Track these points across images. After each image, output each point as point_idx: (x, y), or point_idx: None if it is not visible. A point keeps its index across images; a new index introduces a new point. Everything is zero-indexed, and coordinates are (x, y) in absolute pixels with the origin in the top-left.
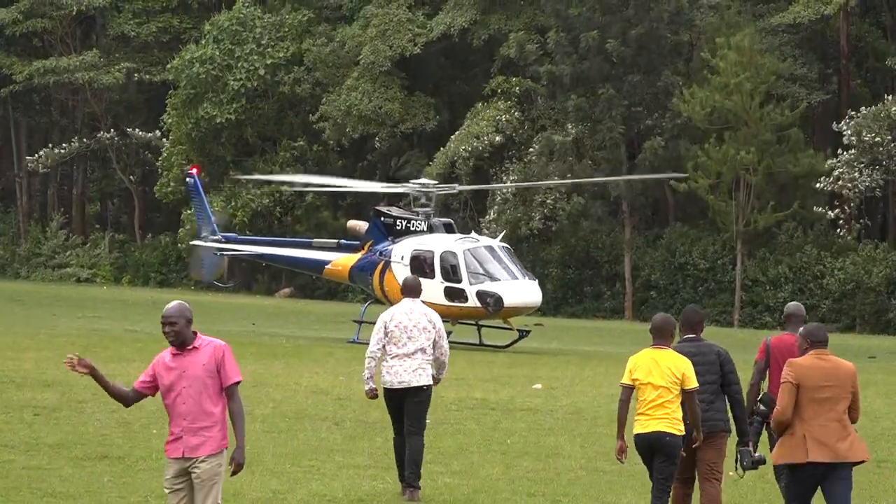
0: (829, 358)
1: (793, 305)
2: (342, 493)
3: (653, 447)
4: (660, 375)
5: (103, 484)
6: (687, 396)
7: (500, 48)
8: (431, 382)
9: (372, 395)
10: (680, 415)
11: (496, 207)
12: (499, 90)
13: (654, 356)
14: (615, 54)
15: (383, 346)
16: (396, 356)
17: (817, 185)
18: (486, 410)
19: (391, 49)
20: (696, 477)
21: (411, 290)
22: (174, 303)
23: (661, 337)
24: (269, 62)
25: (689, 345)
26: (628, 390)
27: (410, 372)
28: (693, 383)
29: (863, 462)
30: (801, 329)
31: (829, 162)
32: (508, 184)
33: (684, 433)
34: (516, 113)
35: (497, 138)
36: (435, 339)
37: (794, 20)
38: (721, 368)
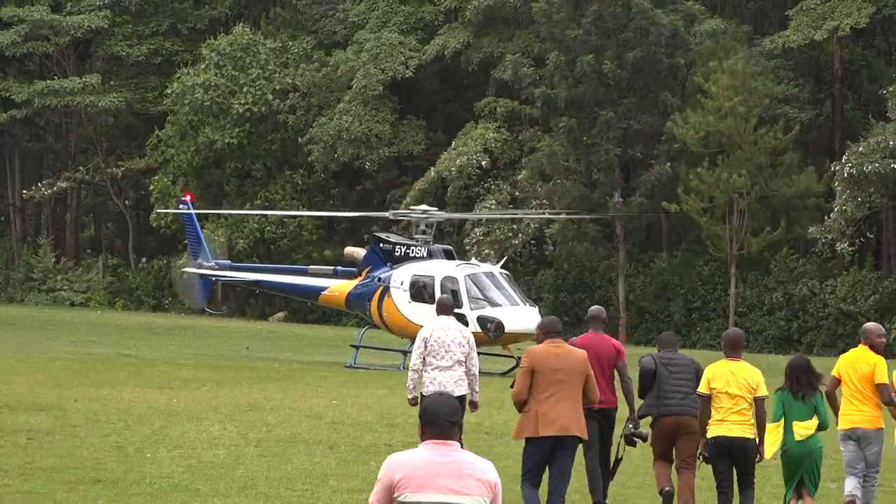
0: (562, 346)
1: (595, 309)
2: None
3: (732, 450)
4: (736, 385)
5: None
6: (758, 403)
7: (493, 71)
8: (465, 392)
9: (413, 403)
10: (753, 421)
11: (482, 228)
12: (487, 110)
13: (730, 367)
14: (611, 77)
15: (423, 360)
16: (437, 367)
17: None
18: (480, 434)
19: (383, 73)
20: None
21: (446, 308)
22: None
23: (734, 350)
24: (277, 87)
25: (666, 356)
26: (706, 399)
27: (452, 383)
28: (764, 391)
29: (583, 440)
30: (539, 322)
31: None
32: (500, 213)
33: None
34: (505, 133)
35: (484, 161)
36: (468, 353)
37: (783, 45)
38: (695, 373)
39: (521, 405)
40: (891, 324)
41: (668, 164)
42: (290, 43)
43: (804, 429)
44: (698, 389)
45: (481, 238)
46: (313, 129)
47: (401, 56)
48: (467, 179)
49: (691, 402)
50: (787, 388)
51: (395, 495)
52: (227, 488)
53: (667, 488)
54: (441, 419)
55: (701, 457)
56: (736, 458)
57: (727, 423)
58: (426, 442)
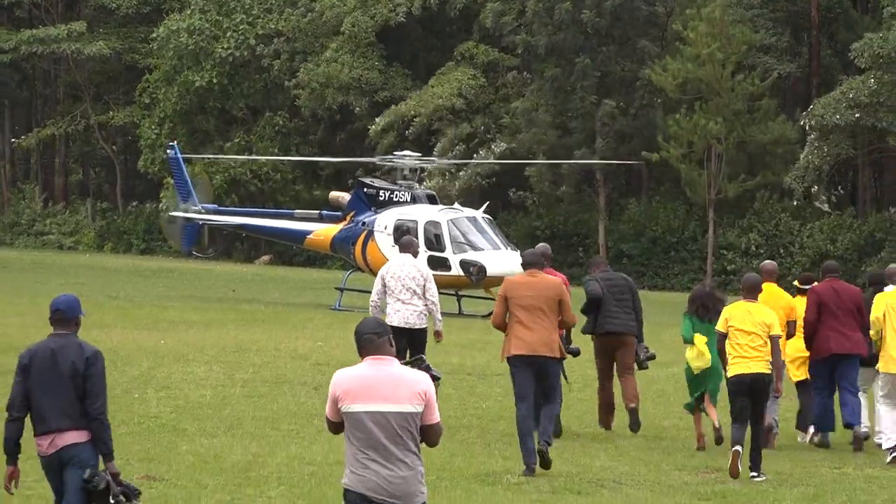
0: (538, 275)
1: (540, 246)
2: (321, 457)
3: (752, 386)
4: (752, 323)
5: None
6: (773, 341)
7: (476, 19)
8: (426, 325)
9: None
10: (769, 357)
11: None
12: (467, 55)
13: (747, 308)
14: (590, 25)
15: (381, 295)
16: (399, 300)
17: (790, 173)
18: (462, 376)
19: (373, 19)
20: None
21: (405, 247)
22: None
23: (751, 293)
24: (260, 32)
25: (603, 274)
26: (723, 337)
27: (415, 316)
28: (778, 331)
29: (558, 358)
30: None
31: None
32: (490, 160)
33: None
34: (482, 80)
35: (458, 101)
36: (423, 285)
37: None
38: (631, 292)
39: (499, 328)
40: (867, 265)
41: (639, 110)
42: None
43: (701, 352)
44: (717, 328)
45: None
46: (300, 73)
47: (389, 3)
48: (438, 121)
49: (629, 320)
50: (694, 312)
51: (339, 406)
52: (214, 428)
53: (611, 424)
54: (366, 334)
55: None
56: (752, 392)
57: (746, 360)
58: (365, 359)
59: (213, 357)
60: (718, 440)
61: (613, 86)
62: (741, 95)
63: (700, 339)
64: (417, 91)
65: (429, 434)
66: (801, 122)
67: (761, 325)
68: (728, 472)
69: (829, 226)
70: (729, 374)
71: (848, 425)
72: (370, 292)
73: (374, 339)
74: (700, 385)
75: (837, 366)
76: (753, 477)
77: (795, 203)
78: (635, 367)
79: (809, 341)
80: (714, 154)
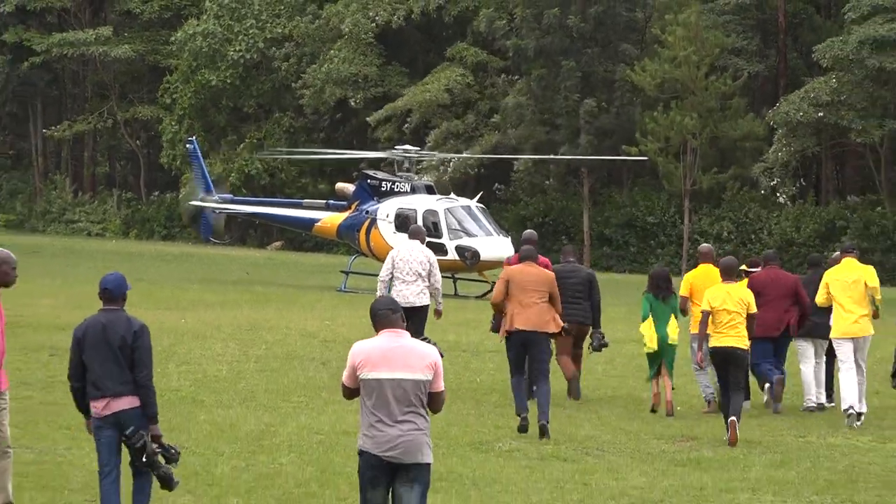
0: (534, 266)
1: (527, 232)
2: (328, 427)
3: (727, 358)
4: (732, 303)
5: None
6: (750, 319)
7: (470, 24)
8: (429, 303)
9: None
10: (745, 333)
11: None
12: (458, 56)
13: (726, 289)
14: (575, 29)
15: (391, 275)
16: (403, 282)
17: (757, 165)
18: (458, 352)
19: (372, 21)
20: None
21: (415, 234)
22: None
23: (729, 275)
24: (268, 36)
25: (562, 266)
26: (706, 315)
27: (415, 295)
28: (754, 309)
29: (554, 334)
30: (520, 251)
31: (769, 149)
32: (483, 155)
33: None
34: (469, 78)
35: (444, 97)
36: (429, 269)
37: (736, 1)
38: (587, 283)
39: (496, 307)
40: (828, 250)
41: (620, 108)
42: None
43: (673, 331)
44: (701, 308)
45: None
46: (305, 75)
47: (388, 6)
48: (434, 117)
49: (585, 310)
50: (651, 292)
51: (358, 374)
52: (230, 400)
53: (575, 374)
54: (381, 311)
55: (590, 348)
56: (730, 364)
57: (724, 335)
58: (380, 332)
59: (229, 335)
60: (669, 412)
61: (596, 85)
62: (714, 94)
63: (648, 325)
64: (412, 88)
65: (434, 400)
66: (769, 120)
67: (740, 303)
68: (727, 442)
69: (794, 214)
70: (709, 346)
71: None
72: (373, 275)
73: (388, 314)
74: (656, 359)
75: (771, 343)
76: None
77: (763, 193)
78: (585, 352)
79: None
80: (689, 148)
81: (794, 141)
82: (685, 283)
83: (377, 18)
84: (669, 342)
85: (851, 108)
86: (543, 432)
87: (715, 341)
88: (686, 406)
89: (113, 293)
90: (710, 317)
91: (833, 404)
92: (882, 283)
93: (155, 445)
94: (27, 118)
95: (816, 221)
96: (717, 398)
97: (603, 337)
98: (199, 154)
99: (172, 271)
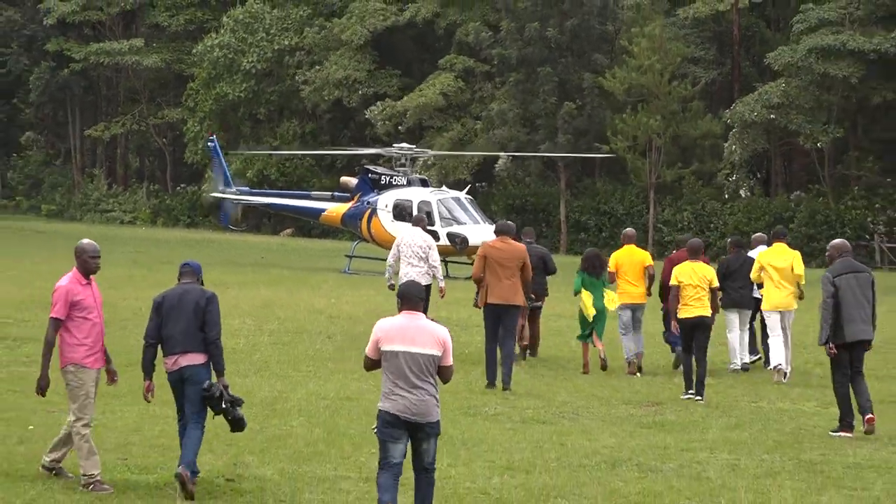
0: (508, 242)
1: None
2: (333, 393)
3: (695, 326)
4: (697, 279)
5: (141, 384)
6: (713, 292)
7: (457, 34)
8: (432, 282)
9: (391, 287)
10: (709, 304)
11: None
12: (448, 65)
13: (692, 266)
14: (553, 40)
15: (396, 259)
16: (409, 265)
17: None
18: (448, 326)
19: (366, 29)
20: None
21: (416, 222)
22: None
23: (694, 254)
24: (276, 48)
25: (529, 245)
26: (676, 289)
27: (419, 276)
28: (716, 283)
29: (519, 305)
30: (495, 226)
31: (725, 145)
32: (473, 152)
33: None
34: (460, 83)
35: (440, 101)
36: (428, 253)
37: (693, 15)
38: (543, 260)
39: (477, 281)
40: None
41: (593, 110)
42: (292, 10)
43: (612, 301)
44: (670, 283)
45: (431, 163)
46: (307, 75)
47: (381, 17)
48: (424, 115)
49: (540, 283)
50: (585, 270)
51: (380, 346)
52: (246, 370)
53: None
54: (411, 296)
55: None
56: (695, 330)
57: (691, 306)
58: (402, 312)
59: (245, 311)
60: (603, 367)
61: (571, 90)
62: (676, 98)
63: (587, 294)
64: (409, 92)
65: (444, 372)
66: (725, 120)
67: (703, 279)
68: (683, 396)
69: (746, 206)
70: (679, 317)
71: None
72: (374, 259)
73: (414, 299)
74: (588, 325)
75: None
76: (698, 400)
77: (718, 188)
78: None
79: (664, 296)
80: (654, 146)
81: (748, 139)
82: (612, 261)
83: (370, 26)
84: (606, 311)
85: (800, 110)
86: (505, 386)
87: (684, 312)
88: (651, 374)
89: (192, 269)
90: (679, 290)
91: (759, 356)
92: (823, 266)
93: (227, 396)
94: (66, 120)
95: (767, 213)
96: (676, 359)
97: (534, 299)
98: (219, 151)
99: (195, 255)
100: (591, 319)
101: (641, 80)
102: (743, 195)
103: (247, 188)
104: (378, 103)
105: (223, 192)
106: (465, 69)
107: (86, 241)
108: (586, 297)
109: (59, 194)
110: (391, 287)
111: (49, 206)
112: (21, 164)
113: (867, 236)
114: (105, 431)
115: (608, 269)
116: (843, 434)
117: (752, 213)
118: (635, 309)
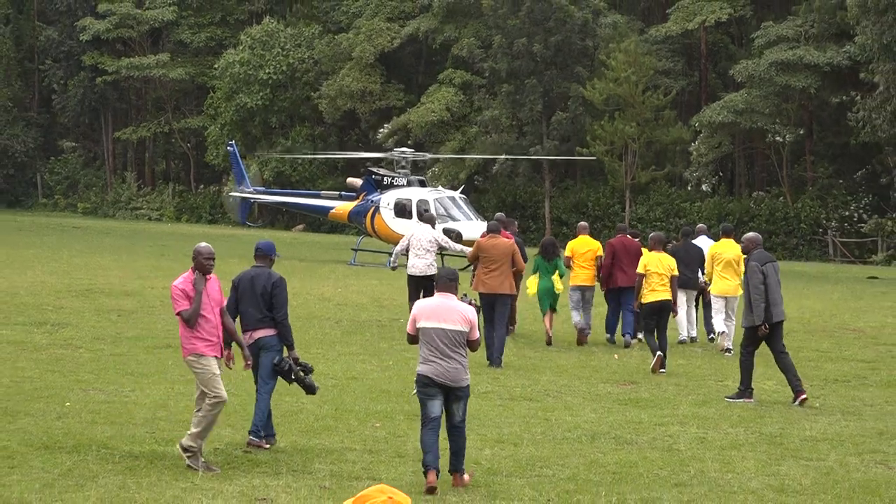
0: (497, 238)
1: (499, 214)
2: (341, 373)
3: (661, 308)
4: (661, 267)
5: (168, 366)
6: (673, 280)
7: (453, 49)
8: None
9: (393, 269)
10: (670, 289)
11: (439, 164)
12: (447, 79)
13: (658, 257)
14: (539, 55)
15: (407, 249)
16: (416, 256)
17: (689, 169)
18: None
19: (374, 48)
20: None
21: (424, 219)
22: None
23: (659, 245)
24: (290, 62)
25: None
26: (642, 276)
27: (426, 266)
28: (676, 272)
29: (509, 294)
30: (487, 225)
31: (693, 146)
32: (470, 155)
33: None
34: (460, 95)
35: (445, 114)
36: (439, 245)
37: (665, 33)
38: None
39: (471, 261)
40: (739, 234)
41: (575, 117)
42: (304, 29)
43: (557, 283)
44: (637, 270)
45: (437, 170)
46: (322, 88)
47: (387, 35)
48: (432, 127)
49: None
50: (540, 255)
51: (417, 324)
52: None
53: (511, 327)
54: (443, 278)
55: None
56: (662, 311)
57: (657, 291)
58: (437, 294)
59: None
60: (548, 342)
61: (556, 100)
62: (649, 107)
63: (534, 278)
64: (413, 106)
65: (472, 345)
66: (694, 122)
67: (667, 268)
68: (651, 370)
69: (712, 205)
70: (644, 301)
71: (624, 334)
72: (377, 252)
73: (448, 282)
74: (546, 301)
75: (622, 294)
76: (661, 372)
77: (688, 189)
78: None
79: (605, 278)
80: (629, 150)
81: (714, 139)
82: (568, 248)
83: (379, 46)
84: (555, 290)
85: (761, 116)
86: (497, 364)
87: (650, 297)
88: (626, 356)
89: (263, 252)
90: (645, 278)
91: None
92: (781, 258)
93: (297, 367)
94: (100, 126)
95: (730, 211)
96: (640, 341)
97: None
98: (238, 154)
99: (216, 249)
100: (529, 298)
101: (618, 90)
102: (705, 189)
103: (262, 188)
104: (385, 126)
105: (241, 192)
106: (463, 83)
107: (202, 244)
108: (531, 281)
109: (93, 193)
110: (393, 268)
111: (84, 204)
112: (59, 166)
113: (821, 231)
114: (135, 407)
115: (564, 254)
116: (744, 400)
117: (718, 210)
118: (584, 290)
